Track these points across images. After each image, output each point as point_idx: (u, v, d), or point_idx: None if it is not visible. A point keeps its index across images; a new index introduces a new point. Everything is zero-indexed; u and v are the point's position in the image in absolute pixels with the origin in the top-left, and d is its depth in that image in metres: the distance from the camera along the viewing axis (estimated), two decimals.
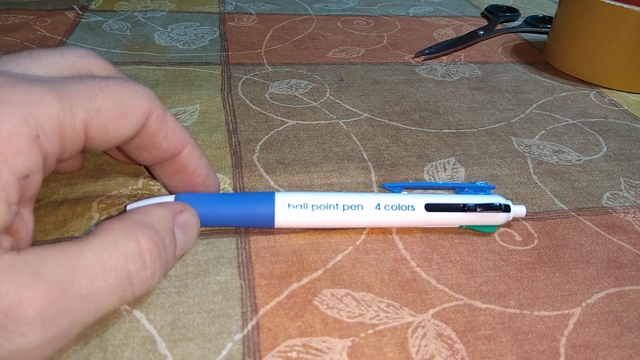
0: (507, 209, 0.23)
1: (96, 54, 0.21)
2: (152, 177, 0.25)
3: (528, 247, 0.24)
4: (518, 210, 0.24)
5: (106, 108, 0.17)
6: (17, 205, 0.16)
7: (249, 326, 0.19)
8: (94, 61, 0.21)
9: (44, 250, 0.15)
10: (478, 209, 0.23)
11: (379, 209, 0.22)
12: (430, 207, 0.23)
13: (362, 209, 0.22)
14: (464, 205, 0.23)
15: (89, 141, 0.17)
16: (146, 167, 0.25)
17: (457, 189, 0.25)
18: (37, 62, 0.19)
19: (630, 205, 0.27)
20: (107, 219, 0.23)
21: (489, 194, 0.24)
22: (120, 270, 0.16)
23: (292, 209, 0.22)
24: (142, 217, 0.18)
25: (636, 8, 0.37)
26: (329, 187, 0.27)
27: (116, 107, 0.18)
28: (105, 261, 0.16)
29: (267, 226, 0.23)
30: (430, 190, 0.26)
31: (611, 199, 0.28)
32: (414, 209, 0.22)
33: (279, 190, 0.26)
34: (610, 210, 0.27)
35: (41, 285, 0.14)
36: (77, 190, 0.25)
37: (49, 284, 0.14)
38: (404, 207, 0.22)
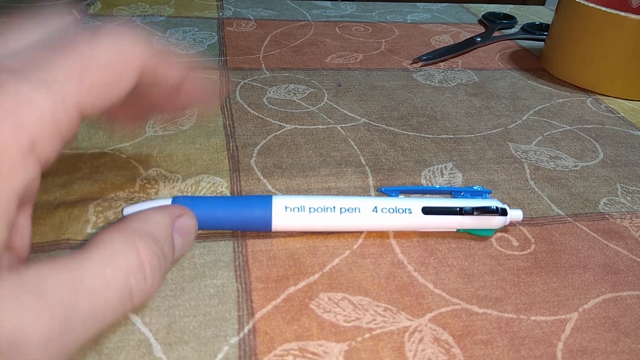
0: (503, 212, 0.23)
1: (131, 40, 0.18)
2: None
3: (525, 252, 0.24)
4: (515, 214, 0.24)
5: (98, 81, 0.16)
6: (15, 220, 0.15)
7: (245, 330, 0.19)
8: (132, 52, 0.18)
9: (45, 268, 0.14)
10: (475, 212, 0.23)
11: (376, 211, 0.22)
12: (427, 210, 0.23)
13: (359, 211, 0.22)
14: (461, 208, 0.23)
15: (86, 115, 0.16)
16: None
17: (453, 193, 0.25)
18: (18, 34, 0.17)
19: (627, 211, 0.27)
20: (105, 226, 0.23)
21: (485, 198, 0.24)
22: (121, 285, 0.15)
23: (289, 211, 0.22)
24: (142, 225, 0.17)
25: (632, 16, 0.37)
26: (327, 191, 0.27)
27: (108, 75, 0.16)
28: (107, 277, 0.15)
29: (264, 229, 0.22)
30: (428, 195, 0.26)
31: (608, 205, 0.28)
32: (411, 212, 0.22)
33: (276, 194, 0.26)
34: (607, 215, 0.27)
35: (45, 310, 0.14)
36: (73, 192, 0.24)
37: (52, 308, 0.14)
38: (401, 210, 0.22)
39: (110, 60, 0.16)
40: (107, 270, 0.15)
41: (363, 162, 0.29)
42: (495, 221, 0.23)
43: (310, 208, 0.22)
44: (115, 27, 0.17)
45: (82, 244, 0.22)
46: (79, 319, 0.14)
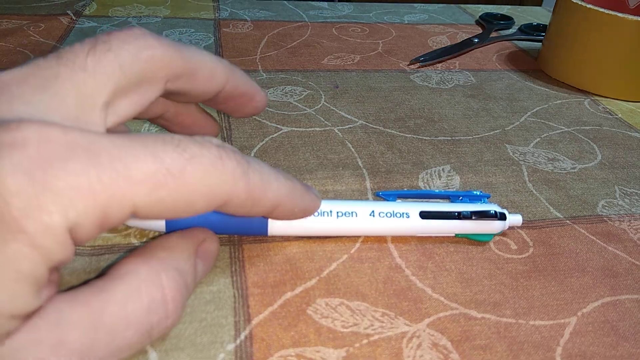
0: (502, 217, 0.23)
1: (155, 41, 0.17)
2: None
3: (523, 256, 0.24)
4: (514, 219, 0.24)
5: (169, 200, 0.14)
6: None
7: (242, 336, 0.18)
8: (154, 55, 0.17)
9: (66, 305, 0.14)
10: (473, 217, 0.22)
11: (373, 216, 0.22)
12: (425, 215, 0.22)
13: (356, 216, 0.22)
14: (459, 213, 0.23)
15: (137, 215, 0.15)
16: None
17: (452, 198, 0.25)
18: (92, 76, 0.16)
19: (625, 214, 0.27)
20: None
21: (484, 202, 0.24)
22: (142, 324, 0.15)
23: None
24: (167, 254, 0.17)
25: (630, 17, 0.37)
26: (324, 194, 0.26)
27: (183, 199, 0.15)
28: (128, 316, 0.15)
29: (260, 233, 0.22)
30: (425, 199, 0.26)
31: (606, 207, 0.28)
32: (408, 217, 0.22)
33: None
34: (605, 218, 0.27)
35: (63, 353, 0.14)
36: None
37: (71, 350, 0.14)
38: (398, 215, 0.22)
39: (194, 187, 0.15)
40: (129, 308, 0.15)
41: (360, 164, 0.29)
42: (494, 226, 0.23)
43: None
44: (221, 151, 0.16)
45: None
46: (95, 358, 0.14)
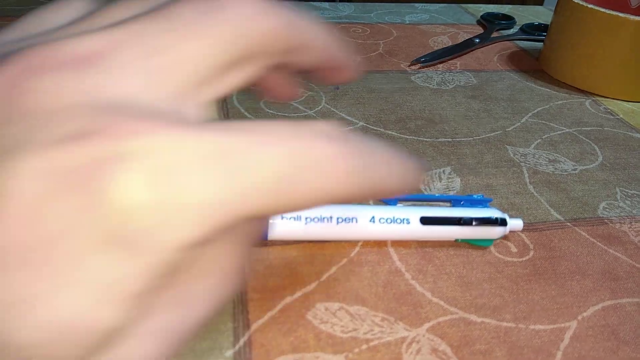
0: (503, 222, 0.23)
1: (280, 9, 0.15)
2: None
3: (524, 259, 0.24)
4: (515, 223, 0.23)
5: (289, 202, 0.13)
6: None
7: (241, 342, 0.19)
8: (278, 30, 0.14)
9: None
10: (474, 223, 0.22)
11: (374, 221, 0.22)
12: (425, 221, 0.22)
13: (356, 221, 0.22)
14: (460, 218, 0.22)
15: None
16: None
17: (453, 202, 0.25)
18: (198, 44, 0.13)
19: (627, 216, 0.27)
20: None
21: (485, 207, 0.24)
22: None
23: (285, 221, 0.22)
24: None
25: (631, 17, 0.37)
26: None
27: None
28: None
29: (260, 238, 0.22)
30: (427, 203, 0.26)
31: (607, 209, 0.27)
32: (409, 222, 0.22)
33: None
34: (606, 220, 0.27)
35: None
36: None
37: None
38: (398, 220, 0.22)
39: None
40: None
41: None
42: (495, 231, 0.23)
43: (306, 218, 0.22)
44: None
45: None
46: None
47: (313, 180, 0.12)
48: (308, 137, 0.13)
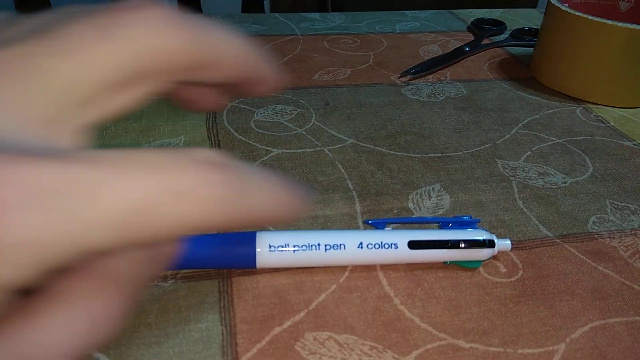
0: (491, 244, 0.23)
1: (183, 25, 0.14)
2: None
3: (512, 279, 0.24)
4: (502, 244, 0.24)
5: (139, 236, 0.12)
6: None
7: None
8: (172, 41, 0.14)
9: None
10: (462, 245, 0.22)
11: (362, 247, 0.22)
12: (413, 245, 0.22)
13: (344, 248, 0.22)
14: (448, 241, 0.23)
15: None
16: None
17: (441, 224, 0.25)
18: (108, 41, 0.13)
19: (616, 230, 0.27)
20: None
21: (473, 228, 0.24)
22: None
23: (273, 249, 0.22)
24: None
25: (620, 24, 0.37)
26: (313, 220, 0.27)
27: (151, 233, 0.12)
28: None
29: (249, 267, 0.22)
30: (415, 225, 0.26)
31: (597, 224, 0.28)
32: (397, 247, 0.22)
33: (262, 226, 0.26)
34: (595, 235, 0.27)
35: None
36: None
37: None
38: (386, 245, 0.22)
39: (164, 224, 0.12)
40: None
41: (350, 186, 0.29)
42: (483, 253, 0.23)
43: (294, 245, 0.22)
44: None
45: None
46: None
47: (179, 210, 0.12)
48: (181, 166, 0.12)
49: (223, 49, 0.15)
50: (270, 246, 0.22)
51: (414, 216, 0.27)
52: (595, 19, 0.38)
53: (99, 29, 0.13)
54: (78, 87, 0.13)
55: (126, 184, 0.12)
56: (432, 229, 0.24)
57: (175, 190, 0.12)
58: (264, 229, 0.25)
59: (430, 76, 0.43)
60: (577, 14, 0.39)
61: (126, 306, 0.14)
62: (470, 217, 0.25)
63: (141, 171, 0.12)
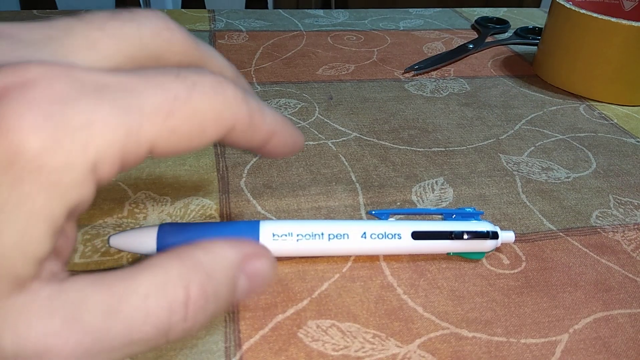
0: (495, 235, 0.23)
1: (176, 27, 0.18)
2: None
3: (516, 271, 0.24)
4: (506, 236, 0.24)
5: (182, 127, 0.15)
6: (62, 229, 0.15)
7: None
8: (173, 37, 0.17)
9: (89, 286, 0.14)
10: (466, 237, 0.22)
11: (365, 237, 0.22)
12: (417, 235, 0.22)
13: (347, 237, 0.22)
14: (452, 232, 0.23)
15: (154, 153, 0.16)
16: None
17: (444, 215, 0.25)
18: (109, 37, 0.16)
19: (619, 224, 0.27)
20: (93, 254, 0.23)
21: (477, 219, 0.24)
22: (160, 322, 0.15)
23: (277, 238, 0.22)
24: (205, 256, 0.16)
25: (624, 21, 0.37)
26: (317, 211, 0.27)
27: (194, 126, 0.16)
28: (149, 309, 0.14)
29: None
30: (419, 216, 0.26)
31: (600, 218, 0.28)
32: (400, 237, 0.22)
33: (265, 216, 0.26)
34: (599, 229, 0.27)
35: (77, 330, 0.13)
36: None
37: (85, 330, 0.14)
38: (390, 236, 0.22)
39: (203, 112, 0.16)
40: (151, 303, 0.14)
41: (354, 179, 0.29)
42: (487, 244, 0.23)
43: (298, 235, 0.22)
44: (218, 77, 0.16)
45: None
46: (109, 345, 0.14)
47: (210, 103, 0.15)
48: (204, 74, 0.16)
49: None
50: (273, 235, 0.22)
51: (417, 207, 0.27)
52: (599, 16, 0.38)
53: (126, 15, 0.16)
54: (110, 56, 0.16)
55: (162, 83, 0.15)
56: (436, 220, 0.24)
57: (199, 86, 0.15)
58: (267, 218, 0.25)
59: (434, 72, 0.43)
60: (582, 11, 0.39)
61: (202, 307, 0.15)
62: (474, 209, 0.25)
63: (168, 77, 0.15)
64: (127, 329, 0.14)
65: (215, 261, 0.16)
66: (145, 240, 0.21)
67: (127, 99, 0.14)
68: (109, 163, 0.14)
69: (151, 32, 0.17)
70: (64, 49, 0.15)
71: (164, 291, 0.15)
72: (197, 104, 0.15)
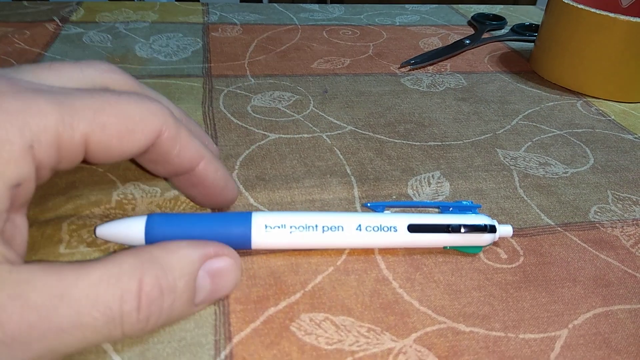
0: (492, 229, 0.22)
1: (119, 70, 0.20)
2: (172, 187, 0.26)
3: (513, 265, 0.23)
4: (504, 230, 0.23)
5: (111, 124, 0.17)
6: (7, 212, 0.16)
7: (222, 355, 0.18)
8: (114, 77, 0.20)
9: (40, 270, 0.15)
10: (463, 230, 0.22)
11: (360, 230, 0.22)
12: (413, 228, 0.22)
13: (342, 230, 0.21)
14: (449, 226, 0.22)
15: (91, 154, 0.17)
16: (165, 178, 0.25)
17: (441, 208, 0.24)
18: (55, 73, 0.18)
19: (618, 220, 0.27)
20: (78, 245, 0.22)
21: (474, 213, 0.23)
22: (111, 308, 0.15)
23: (269, 230, 0.21)
24: (162, 253, 0.17)
25: (622, 17, 0.37)
26: (311, 204, 0.26)
27: (123, 124, 0.17)
28: (98, 296, 0.15)
29: (244, 248, 0.22)
30: (415, 209, 0.26)
31: (598, 213, 0.27)
32: (396, 230, 0.22)
33: (258, 209, 0.25)
34: (597, 224, 0.26)
35: (18, 309, 0.14)
36: (47, 210, 0.24)
37: (27, 308, 0.14)
38: (385, 228, 0.22)
39: (129, 112, 0.17)
40: (101, 290, 0.15)
41: (349, 171, 0.29)
42: (484, 238, 0.22)
43: (291, 226, 0.21)
44: (145, 97, 0.19)
45: None
46: (54, 329, 0.14)
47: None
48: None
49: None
50: (266, 226, 0.21)
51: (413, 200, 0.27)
52: (597, 11, 0.37)
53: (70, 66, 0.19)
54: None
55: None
56: (432, 213, 0.24)
57: (126, 95, 0.18)
58: (258, 209, 0.25)
59: (430, 67, 0.43)
60: (580, 6, 0.38)
61: (157, 299, 0.16)
62: (471, 202, 0.24)
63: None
64: (75, 312, 0.14)
65: (172, 258, 0.17)
66: (133, 230, 0.20)
67: (61, 96, 0.16)
68: (46, 144, 0.16)
69: (95, 71, 0.19)
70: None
71: (116, 281, 0.15)
72: (124, 105, 0.17)
